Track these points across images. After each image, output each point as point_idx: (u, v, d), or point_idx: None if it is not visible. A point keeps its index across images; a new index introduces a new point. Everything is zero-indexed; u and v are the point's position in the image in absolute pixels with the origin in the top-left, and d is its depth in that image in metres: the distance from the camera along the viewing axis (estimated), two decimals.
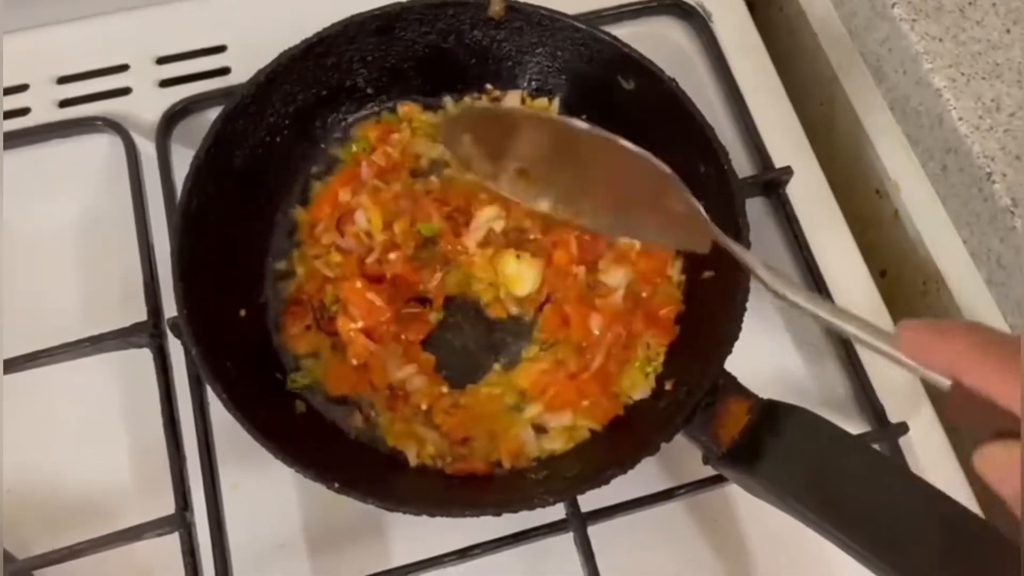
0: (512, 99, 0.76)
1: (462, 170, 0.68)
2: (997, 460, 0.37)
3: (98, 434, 0.68)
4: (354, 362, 0.66)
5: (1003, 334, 0.38)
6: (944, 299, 0.76)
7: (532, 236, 0.70)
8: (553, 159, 0.59)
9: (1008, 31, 0.70)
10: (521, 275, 0.68)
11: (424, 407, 0.66)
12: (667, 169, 0.54)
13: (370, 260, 0.69)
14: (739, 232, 0.64)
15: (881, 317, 0.75)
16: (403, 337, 0.67)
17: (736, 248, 0.54)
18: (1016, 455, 0.36)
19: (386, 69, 0.74)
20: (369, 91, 0.75)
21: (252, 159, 0.69)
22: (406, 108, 0.75)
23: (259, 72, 0.68)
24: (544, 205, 0.62)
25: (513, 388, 0.67)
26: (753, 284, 0.62)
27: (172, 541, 0.61)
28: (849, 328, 0.47)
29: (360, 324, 0.66)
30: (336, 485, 0.56)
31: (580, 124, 0.56)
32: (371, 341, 0.66)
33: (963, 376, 0.37)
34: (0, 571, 0.59)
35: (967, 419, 0.39)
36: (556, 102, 0.76)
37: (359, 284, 0.67)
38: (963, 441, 0.75)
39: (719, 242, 0.55)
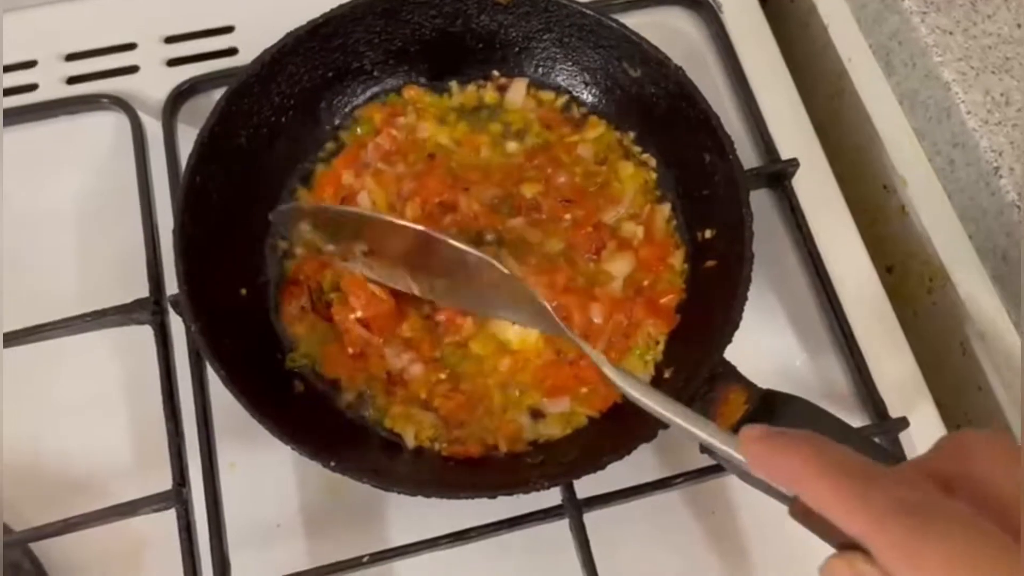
0: (517, 88, 0.76)
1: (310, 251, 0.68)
2: (836, 572, 0.37)
3: (97, 410, 0.68)
4: (350, 351, 0.66)
5: (843, 449, 0.38)
6: (949, 295, 0.75)
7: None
8: (396, 248, 0.61)
9: (1019, 25, 0.69)
10: (522, 338, 0.66)
11: (423, 395, 0.65)
12: (505, 270, 0.59)
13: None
14: (743, 221, 0.63)
15: (886, 313, 0.74)
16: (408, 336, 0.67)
17: (577, 340, 0.58)
18: (853, 567, 0.36)
19: (392, 52, 0.74)
20: (375, 73, 0.75)
21: (256, 139, 0.69)
22: (411, 91, 0.75)
23: (265, 52, 0.68)
24: (400, 284, 0.64)
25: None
26: (756, 277, 0.62)
27: (168, 517, 0.61)
28: (699, 434, 0.48)
29: (359, 314, 0.66)
30: (332, 464, 0.57)
31: (415, 226, 0.59)
32: (370, 332, 0.66)
33: (801, 493, 0.38)
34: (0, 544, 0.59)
35: (812, 526, 0.39)
36: (566, 99, 0.76)
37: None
38: None
39: (565, 337, 0.59)
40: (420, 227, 0.59)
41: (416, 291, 0.64)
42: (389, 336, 0.66)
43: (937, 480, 0.37)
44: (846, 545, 0.37)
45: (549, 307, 0.59)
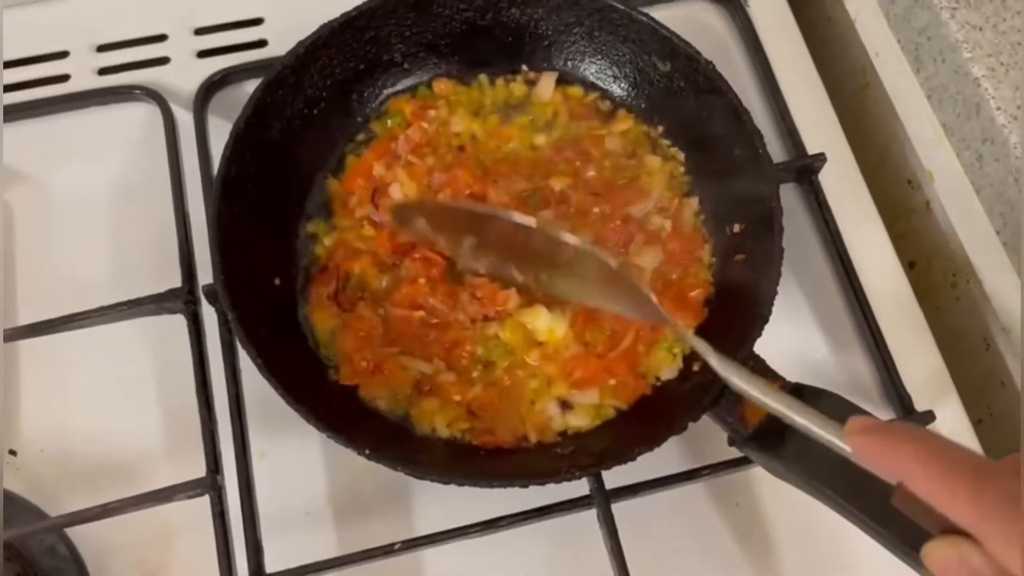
0: (547, 81, 0.76)
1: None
2: (942, 556, 0.39)
3: (131, 398, 0.69)
4: (363, 364, 0.66)
5: (948, 441, 0.40)
6: (974, 290, 0.76)
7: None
8: (507, 244, 0.62)
9: None
10: (551, 328, 0.67)
11: (457, 398, 0.65)
12: (613, 262, 0.59)
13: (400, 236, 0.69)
14: (772, 216, 0.64)
15: (911, 308, 0.74)
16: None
17: (685, 332, 0.58)
18: (958, 551, 0.38)
19: (423, 45, 0.75)
20: (405, 66, 0.75)
21: (289, 130, 0.70)
22: (442, 84, 0.76)
23: (299, 44, 0.69)
24: (506, 275, 0.65)
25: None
26: (783, 271, 0.62)
27: (202, 504, 0.62)
28: (801, 422, 0.47)
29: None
30: (367, 452, 0.57)
31: (527, 220, 0.60)
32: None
33: (908, 483, 0.39)
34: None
35: (913, 512, 0.41)
36: (595, 95, 0.76)
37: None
38: (989, 431, 0.75)
39: (667, 324, 0.59)
40: (532, 222, 0.59)
41: (521, 281, 0.65)
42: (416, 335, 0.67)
43: None
44: (948, 530, 0.38)
45: (652, 296, 0.59)
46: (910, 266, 0.83)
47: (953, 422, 0.70)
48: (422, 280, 0.67)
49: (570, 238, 0.59)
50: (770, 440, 0.58)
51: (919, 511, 0.40)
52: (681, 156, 0.74)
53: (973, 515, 0.37)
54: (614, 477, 0.62)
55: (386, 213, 0.69)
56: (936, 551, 0.39)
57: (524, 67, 0.77)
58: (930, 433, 0.41)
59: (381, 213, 0.70)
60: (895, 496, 0.42)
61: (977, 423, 0.74)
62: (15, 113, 0.76)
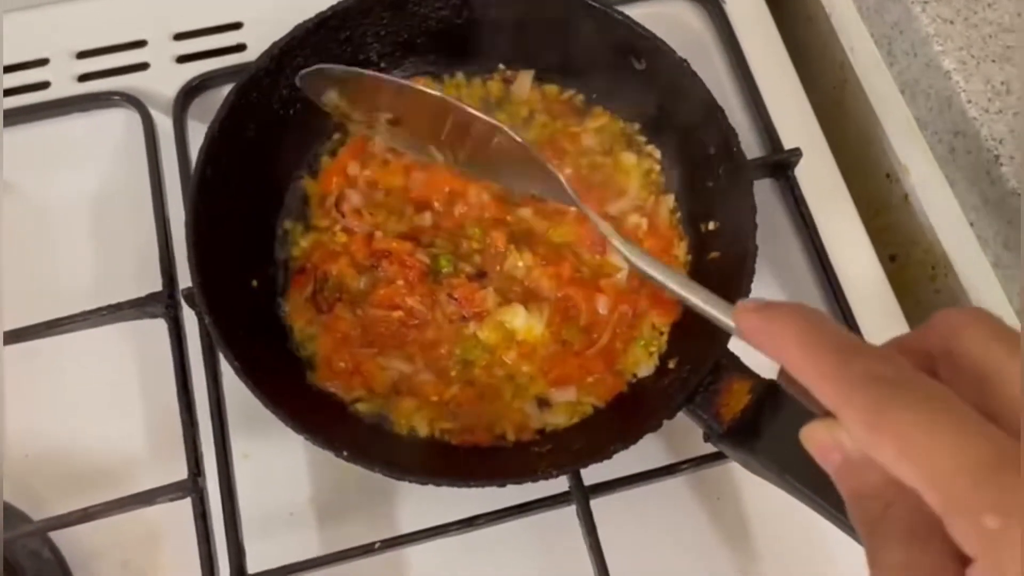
0: (523, 80, 0.76)
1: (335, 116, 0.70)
2: (818, 438, 0.38)
3: (113, 401, 0.69)
4: (342, 364, 0.67)
5: (831, 324, 0.38)
6: (952, 283, 0.76)
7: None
8: (420, 116, 0.63)
9: (1020, 14, 0.70)
10: (529, 327, 0.67)
11: (435, 399, 0.66)
12: (518, 138, 0.61)
13: (375, 241, 0.69)
14: (746, 214, 0.64)
15: (889, 302, 0.75)
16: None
17: (590, 213, 0.62)
18: (831, 434, 0.38)
19: (399, 44, 0.75)
20: (382, 65, 0.75)
21: (265, 132, 0.70)
22: (418, 83, 0.76)
23: (273, 45, 0.69)
24: (424, 154, 0.66)
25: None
26: (759, 266, 0.63)
27: (184, 506, 0.63)
28: (694, 300, 0.52)
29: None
30: (345, 453, 0.58)
31: (433, 93, 0.62)
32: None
33: (784, 363, 0.39)
34: None
35: (797, 393, 0.41)
36: (571, 93, 0.77)
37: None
38: None
39: (576, 206, 0.63)
40: (436, 93, 0.61)
41: (440, 159, 0.66)
42: (392, 337, 0.67)
43: (919, 357, 0.38)
44: (830, 412, 0.38)
45: (561, 177, 0.62)
46: (891, 259, 0.84)
47: None
48: (400, 281, 0.68)
49: (470, 108, 0.61)
50: (744, 436, 0.58)
51: (800, 392, 0.40)
52: (657, 154, 0.74)
53: (833, 394, 0.36)
54: (593, 473, 0.63)
55: (355, 218, 0.70)
56: (812, 432, 0.39)
57: (501, 65, 0.77)
58: (819, 314, 0.39)
59: (350, 219, 0.70)
60: (779, 375, 0.43)
61: None
62: None
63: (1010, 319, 0.71)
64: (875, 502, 0.36)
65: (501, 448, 0.64)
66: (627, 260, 0.60)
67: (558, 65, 0.76)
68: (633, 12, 0.72)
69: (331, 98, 0.65)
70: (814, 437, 0.39)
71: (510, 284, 0.69)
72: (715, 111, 0.67)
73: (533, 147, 0.63)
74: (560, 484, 0.63)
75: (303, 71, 0.68)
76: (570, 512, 0.63)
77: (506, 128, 0.61)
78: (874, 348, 0.38)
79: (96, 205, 0.76)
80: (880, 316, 0.74)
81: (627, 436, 0.59)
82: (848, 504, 0.38)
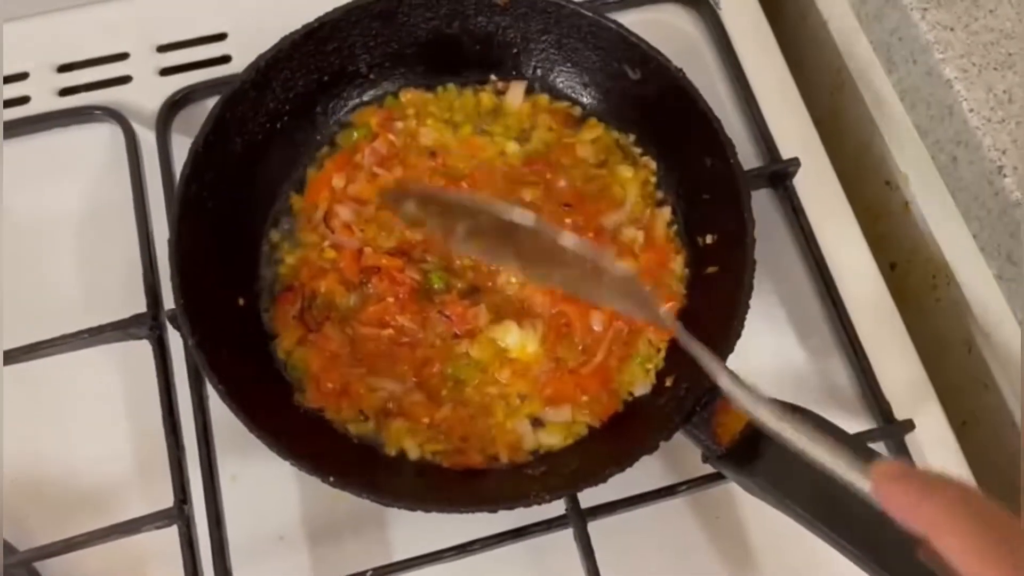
0: (516, 90, 0.75)
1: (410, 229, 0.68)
2: None
3: (99, 424, 0.68)
4: (330, 385, 0.65)
5: (978, 497, 0.38)
6: (953, 293, 0.75)
7: None
8: (502, 233, 0.57)
9: (1022, 21, 0.68)
10: (522, 344, 0.66)
11: (426, 420, 0.64)
12: (627, 272, 0.57)
13: (365, 257, 0.68)
14: (744, 227, 0.63)
15: (889, 311, 0.74)
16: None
17: (701, 353, 0.53)
18: None
19: (388, 55, 0.73)
20: (371, 76, 0.74)
21: (252, 145, 0.69)
22: (409, 95, 0.75)
23: (259, 57, 0.67)
24: (497, 262, 0.64)
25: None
26: (758, 277, 0.62)
27: (171, 533, 0.61)
28: (825, 459, 0.44)
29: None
30: (331, 479, 0.56)
31: (525, 216, 0.55)
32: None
33: (936, 542, 0.37)
34: (0, 561, 0.59)
35: (941, 568, 0.38)
36: (565, 104, 0.75)
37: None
38: (972, 434, 0.74)
39: (665, 327, 0.57)
40: (530, 222, 0.55)
41: (514, 270, 0.64)
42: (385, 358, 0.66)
43: None
44: None
45: (661, 309, 0.57)
46: (891, 268, 0.82)
47: (934, 430, 0.69)
48: (390, 298, 0.66)
49: (570, 241, 0.54)
50: (744, 458, 0.57)
51: (944, 568, 0.38)
52: (653, 165, 0.73)
53: None
54: (590, 495, 0.61)
55: (344, 233, 0.68)
56: None
57: (492, 76, 0.76)
58: (967, 490, 0.38)
59: (338, 235, 0.68)
60: (921, 550, 0.39)
61: (961, 425, 0.73)
62: None
63: (1013, 331, 0.69)
64: None
65: (494, 470, 0.63)
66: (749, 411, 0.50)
67: (551, 75, 0.75)
68: (627, 19, 0.72)
69: (409, 209, 0.62)
70: None
71: (503, 301, 0.67)
72: (712, 122, 0.66)
73: (637, 279, 0.58)
74: (557, 507, 0.62)
75: (386, 192, 0.66)
76: (567, 535, 0.62)
77: (602, 256, 0.55)
78: None
79: (79, 222, 0.74)
80: (881, 327, 0.72)
81: (623, 459, 0.58)
82: None
